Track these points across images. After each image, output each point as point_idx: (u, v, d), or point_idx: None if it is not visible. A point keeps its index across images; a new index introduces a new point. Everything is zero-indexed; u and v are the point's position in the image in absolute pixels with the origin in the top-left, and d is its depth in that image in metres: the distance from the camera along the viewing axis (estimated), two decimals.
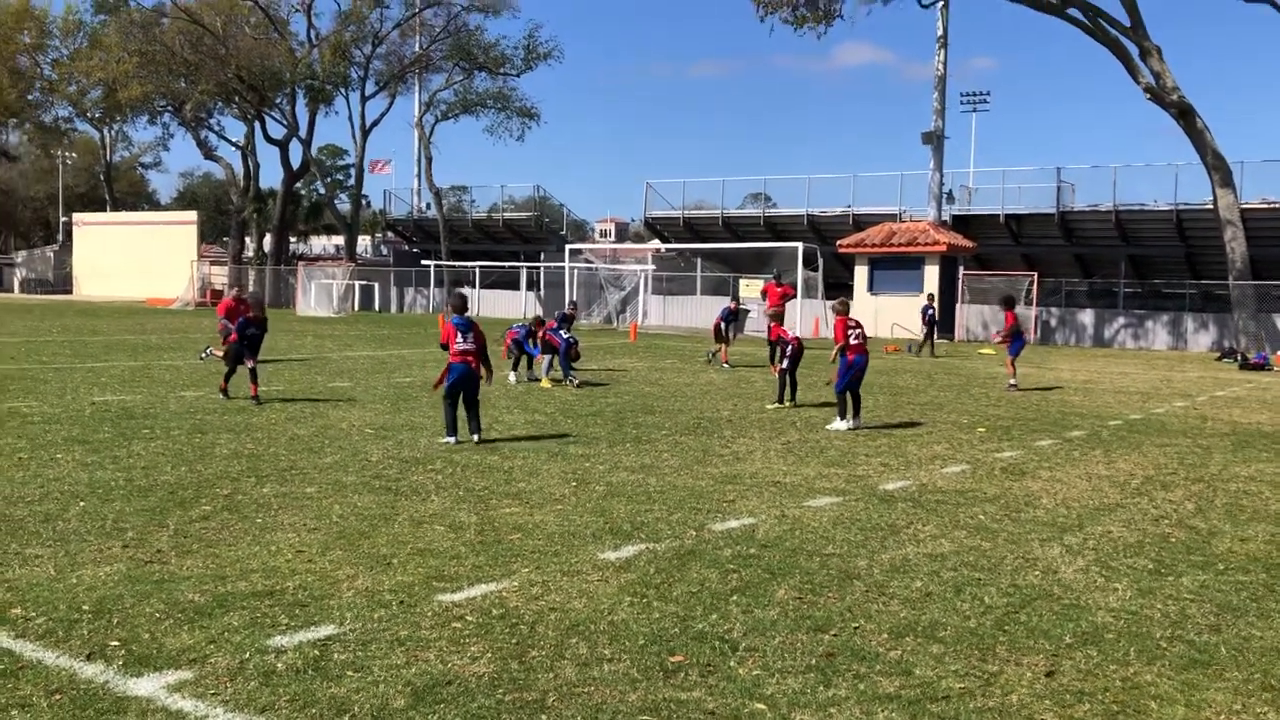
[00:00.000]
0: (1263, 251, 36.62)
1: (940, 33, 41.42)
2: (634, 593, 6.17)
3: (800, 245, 37.12)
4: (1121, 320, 39.33)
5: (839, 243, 42.01)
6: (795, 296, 33.95)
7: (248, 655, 5.01)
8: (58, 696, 4.49)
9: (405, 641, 5.25)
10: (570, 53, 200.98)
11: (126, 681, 4.67)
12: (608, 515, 8.14)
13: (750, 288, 39.41)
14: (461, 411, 11.45)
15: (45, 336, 26.66)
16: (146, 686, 4.62)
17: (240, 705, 4.45)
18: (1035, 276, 38.78)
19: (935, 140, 41.76)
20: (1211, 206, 34.93)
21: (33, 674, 4.73)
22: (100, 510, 7.84)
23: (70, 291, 63.83)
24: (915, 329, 36.69)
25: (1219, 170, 33.34)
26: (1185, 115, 33.14)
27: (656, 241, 53.38)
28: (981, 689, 4.87)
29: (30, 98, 68.20)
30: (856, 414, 13.65)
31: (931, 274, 38.97)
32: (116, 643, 5.12)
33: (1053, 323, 39.98)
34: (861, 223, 44.42)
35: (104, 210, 72.03)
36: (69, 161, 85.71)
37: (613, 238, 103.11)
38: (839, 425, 13.46)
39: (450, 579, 6.34)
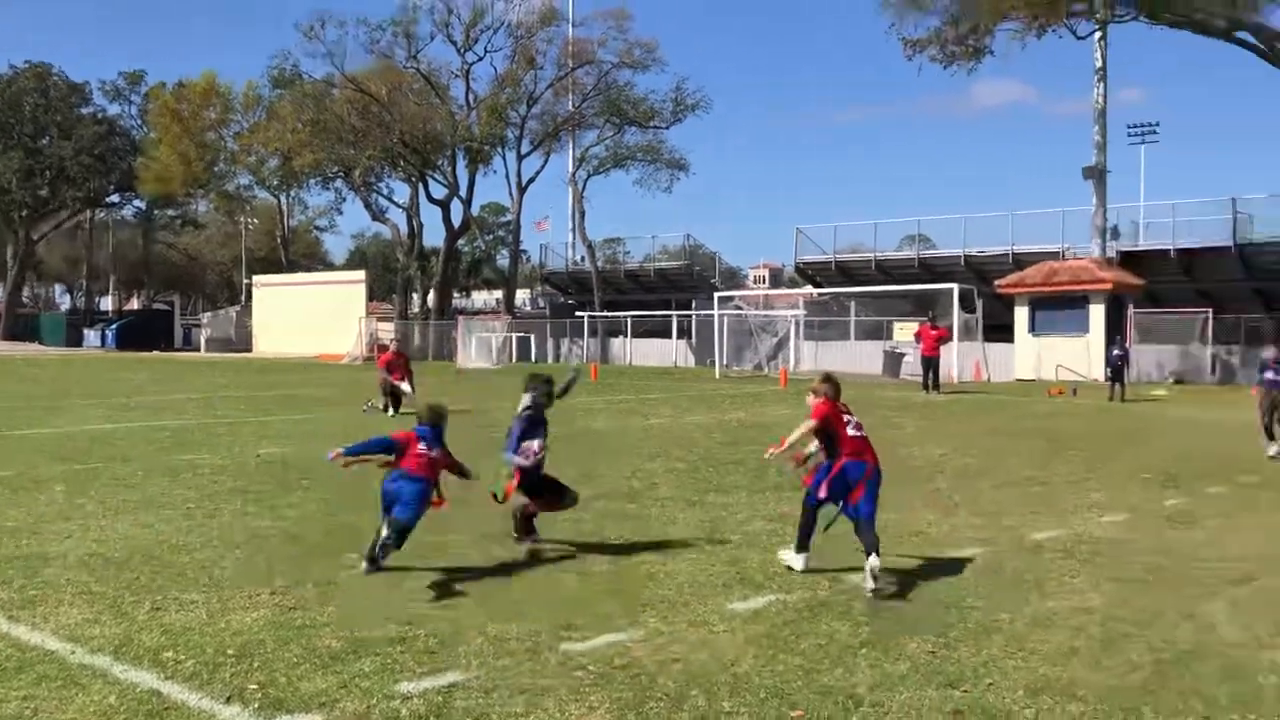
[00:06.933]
0: None
1: (1099, 64, 40.04)
2: (760, 645, 6.07)
3: (955, 286, 36.24)
4: None
5: (998, 283, 40.80)
6: (950, 339, 33.17)
7: (375, 700, 5.15)
8: None
9: (526, 690, 5.31)
10: (719, 102, 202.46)
11: None
12: (740, 565, 8.06)
13: (904, 331, 38.65)
14: None
15: (223, 392, 28.24)
16: None
17: None
18: (1210, 313, 36.74)
19: (1097, 175, 40.26)
20: None
21: (176, 714, 4.98)
22: (253, 558, 8.22)
23: (250, 349, 67.50)
24: (1088, 374, 35.20)
25: None
26: None
27: (809, 287, 53.02)
28: None
29: (215, 169, 73.12)
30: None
31: (1097, 313, 37.40)
32: (255, 686, 5.35)
33: (1235, 362, 37.66)
34: (1022, 261, 43.02)
35: (282, 272, 76.15)
36: (250, 227, 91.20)
37: (767, 283, 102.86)
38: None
39: (577, 628, 6.38)
